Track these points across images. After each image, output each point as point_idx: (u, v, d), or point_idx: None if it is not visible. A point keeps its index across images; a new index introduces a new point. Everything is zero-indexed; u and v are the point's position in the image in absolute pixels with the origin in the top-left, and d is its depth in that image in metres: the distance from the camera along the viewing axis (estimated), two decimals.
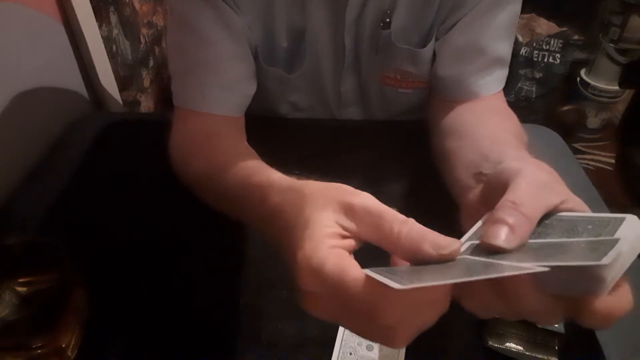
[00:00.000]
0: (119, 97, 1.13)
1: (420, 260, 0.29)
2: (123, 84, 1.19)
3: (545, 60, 2.05)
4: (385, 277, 0.25)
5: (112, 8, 1.15)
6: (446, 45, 0.65)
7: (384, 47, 0.69)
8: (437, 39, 0.67)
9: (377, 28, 0.67)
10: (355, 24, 0.67)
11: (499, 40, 0.64)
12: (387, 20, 0.66)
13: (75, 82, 1.00)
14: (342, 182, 0.35)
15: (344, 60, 0.71)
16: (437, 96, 0.70)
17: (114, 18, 1.16)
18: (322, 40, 0.69)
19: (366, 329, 0.29)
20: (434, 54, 0.69)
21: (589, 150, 1.89)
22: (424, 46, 0.68)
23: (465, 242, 0.32)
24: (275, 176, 0.42)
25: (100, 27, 1.05)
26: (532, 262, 0.24)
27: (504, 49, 0.65)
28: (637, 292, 0.61)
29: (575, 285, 0.26)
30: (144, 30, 1.36)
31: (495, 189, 0.36)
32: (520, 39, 2.04)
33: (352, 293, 0.28)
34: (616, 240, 0.26)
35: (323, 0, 0.65)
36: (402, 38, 0.68)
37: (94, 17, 1.01)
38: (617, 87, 1.97)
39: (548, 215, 0.31)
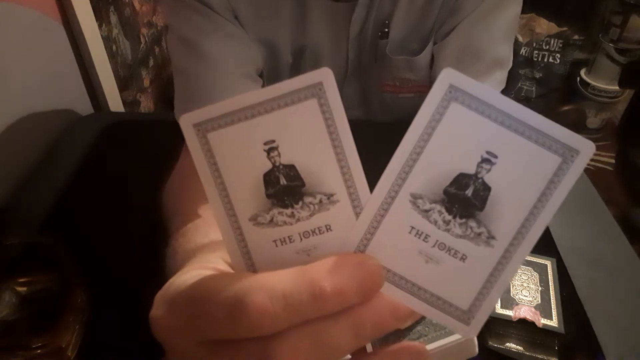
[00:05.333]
0: (119, 97, 1.13)
1: None
2: (123, 84, 1.19)
3: (545, 60, 2.05)
4: None
5: (112, 8, 1.15)
6: (444, 49, 0.65)
7: (382, 57, 0.69)
8: (435, 43, 0.67)
9: (376, 38, 0.67)
10: (358, 37, 0.67)
11: (498, 42, 0.63)
12: (386, 30, 0.66)
13: (75, 82, 1.00)
14: None
15: (347, 70, 0.71)
16: None
17: (114, 18, 1.16)
18: (325, 54, 0.69)
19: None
20: (433, 58, 0.69)
21: None
22: (421, 52, 0.68)
23: None
24: (186, 247, 0.39)
25: (100, 27, 1.05)
26: None
27: (503, 51, 0.64)
28: (637, 292, 0.62)
29: None
30: (144, 30, 1.36)
31: None
32: (520, 39, 2.04)
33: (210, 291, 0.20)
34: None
35: (326, 18, 0.65)
36: (399, 47, 0.68)
37: (94, 17, 1.01)
38: (617, 87, 1.98)
39: None
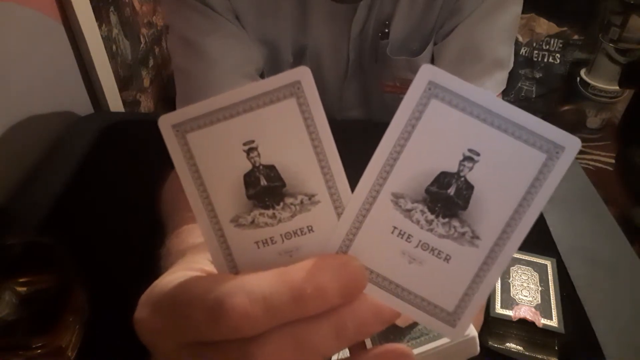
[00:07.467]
0: (119, 97, 1.13)
1: None
2: (123, 84, 1.19)
3: (545, 60, 2.05)
4: None
5: (112, 8, 1.15)
6: (444, 50, 0.65)
7: (382, 57, 0.69)
8: (435, 44, 0.67)
9: (377, 38, 0.67)
10: (359, 37, 0.67)
11: (499, 43, 0.63)
12: (386, 30, 0.66)
13: (75, 82, 1.00)
14: None
15: (347, 71, 0.71)
16: None
17: (114, 18, 1.16)
18: (326, 54, 0.69)
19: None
20: (434, 58, 0.69)
21: (589, 150, 1.90)
22: (422, 53, 0.68)
23: None
24: (179, 248, 0.39)
25: (100, 27, 1.05)
26: None
27: (504, 51, 0.64)
28: (637, 292, 0.62)
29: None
30: (144, 30, 1.36)
31: None
32: (520, 39, 2.04)
33: (192, 294, 0.20)
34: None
35: (327, 18, 0.65)
36: (400, 47, 0.68)
37: (94, 17, 1.01)
38: (617, 87, 1.98)
39: None
